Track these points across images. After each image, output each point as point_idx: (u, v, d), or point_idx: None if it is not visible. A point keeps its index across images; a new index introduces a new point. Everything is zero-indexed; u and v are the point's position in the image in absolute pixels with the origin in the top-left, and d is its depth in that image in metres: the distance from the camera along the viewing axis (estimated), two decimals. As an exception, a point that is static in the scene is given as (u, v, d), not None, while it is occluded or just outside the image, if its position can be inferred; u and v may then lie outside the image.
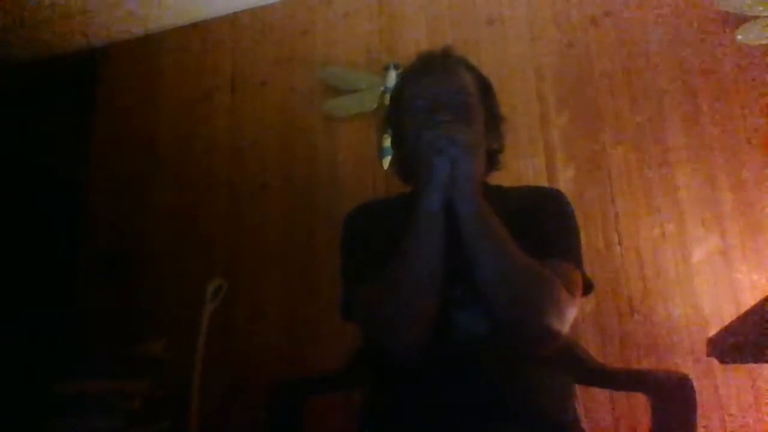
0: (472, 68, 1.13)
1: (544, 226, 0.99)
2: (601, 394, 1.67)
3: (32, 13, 2.38)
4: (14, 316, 2.07)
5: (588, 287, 1.00)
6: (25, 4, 2.33)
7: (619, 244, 1.82)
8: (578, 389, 1.09)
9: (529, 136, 1.99)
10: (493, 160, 1.12)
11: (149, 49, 2.55)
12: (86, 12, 2.41)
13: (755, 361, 1.12)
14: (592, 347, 1.68)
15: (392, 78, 2.07)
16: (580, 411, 1.01)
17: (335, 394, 1.39)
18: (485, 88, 1.12)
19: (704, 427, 1.58)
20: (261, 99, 2.34)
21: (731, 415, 1.61)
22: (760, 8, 1.84)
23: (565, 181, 1.92)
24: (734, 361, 1.18)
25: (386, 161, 2.03)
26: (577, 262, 0.98)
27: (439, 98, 1.02)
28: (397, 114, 1.12)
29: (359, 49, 2.27)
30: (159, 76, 2.50)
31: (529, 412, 0.88)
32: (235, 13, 2.47)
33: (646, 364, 1.69)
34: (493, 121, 1.11)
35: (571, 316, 0.89)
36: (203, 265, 2.15)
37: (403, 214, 0.94)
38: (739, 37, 1.87)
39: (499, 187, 1.14)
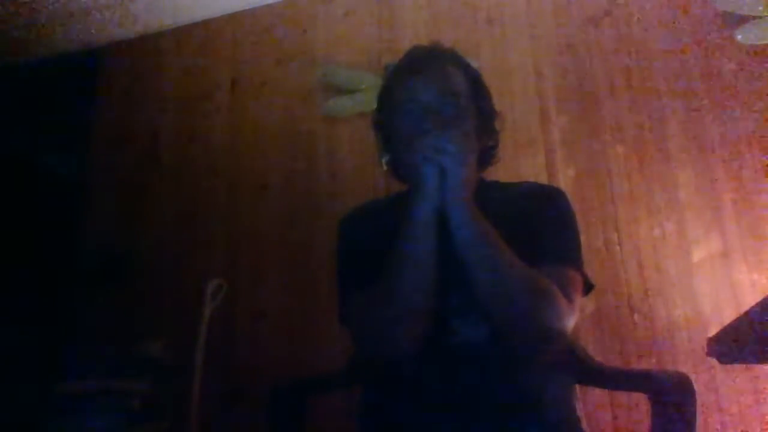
0: (462, 63, 1.09)
1: (543, 227, 0.97)
2: (601, 394, 1.67)
3: (32, 13, 2.38)
4: (14, 316, 2.07)
5: (588, 288, 0.99)
6: (25, 5, 2.33)
7: (619, 244, 1.82)
8: (578, 389, 1.09)
9: (529, 136, 1.99)
10: (488, 156, 1.10)
11: (149, 49, 2.55)
12: (86, 12, 2.41)
13: (755, 361, 1.12)
14: (592, 347, 1.68)
15: (392, 78, 2.08)
16: (581, 411, 1.01)
17: (335, 394, 1.39)
18: (476, 85, 1.08)
19: (704, 427, 1.58)
20: (261, 99, 2.34)
21: (731, 415, 1.61)
22: (760, 8, 1.84)
23: (565, 181, 1.92)
24: (734, 361, 1.17)
25: (386, 162, 2.02)
26: (577, 263, 0.97)
27: (428, 103, 0.99)
28: (386, 116, 1.10)
29: (359, 49, 2.27)
30: (159, 76, 2.50)
31: (530, 413, 0.88)
32: (235, 13, 2.47)
33: (646, 364, 1.69)
34: (486, 117, 1.08)
35: (570, 323, 0.88)
36: (203, 265, 2.15)
37: (400, 216, 0.92)
38: (739, 37, 1.87)
39: (496, 183, 1.12)
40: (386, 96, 1.11)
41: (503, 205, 0.98)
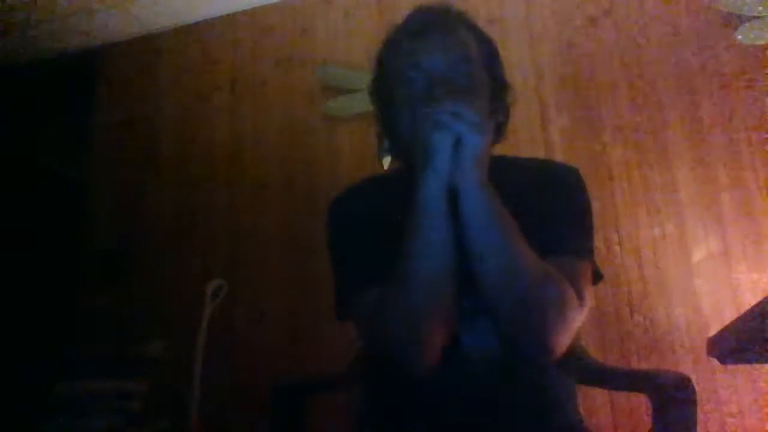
0: (473, 26, 0.97)
1: (556, 214, 0.88)
2: (601, 394, 1.67)
3: (32, 13, 2.38)
4: (14, 317, 2.07)
5: (596, 277, 0.95)
6: (25, 5, 2.33)
7: (619, 244, 1.82)
8: (578, 389, 1.09)
9: (529, 136, 1.99)
10: (498, 133, 0.97)
11: (149, 49, 2.55)
12: (86, 12, 2.41)
13: (755, 361, 1.12)
14: (592, 347, 1.68)
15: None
16: (581, 411, 1.01)
17: (336, 394, 1.38)
18: (489, 51, 0.96)
19: (704, 427, 1.58)
20: (261, 99, 2.34)
21: (731, 415, 1.61)
22: (760, 8, 1.84)
23: (565, 181, 1.91)
24: (734, 361, 1.17)
25: (386, 161, 2.02)
26: (590, 254, 0.89)
27: (438, 69, 0.86)
28: (386, 86, 0.95)
29: (359, 49, 2.27)
30: (159, 76, 2.50)
31: (533, 413, 0.87)
32: (235, 13, 2.47)
33: (646, 364, 1.69)
34: (498, 88, 0.96)
35: (579, 321, 0.82)
36: (203, 265, 2.16)
37: (403, 195, 0.81)
38: (739, 37, 1.87)
39: (502, 158, 0.97)
40: (386, 61, 0.97)
41: (512, 181, 0.86)
